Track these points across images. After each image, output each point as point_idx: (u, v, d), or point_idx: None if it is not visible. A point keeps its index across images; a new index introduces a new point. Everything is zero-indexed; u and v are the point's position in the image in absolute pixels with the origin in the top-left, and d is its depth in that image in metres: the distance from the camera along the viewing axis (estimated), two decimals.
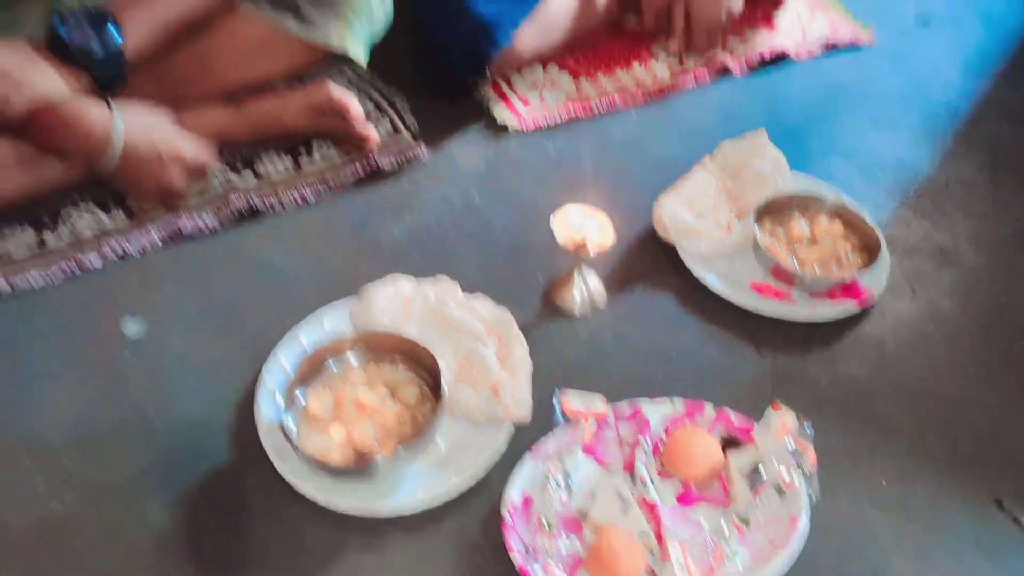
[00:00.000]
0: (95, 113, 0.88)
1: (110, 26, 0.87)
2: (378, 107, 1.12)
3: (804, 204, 0.98)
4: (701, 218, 0.99)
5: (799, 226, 0.97)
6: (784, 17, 1.35)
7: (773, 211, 0.98)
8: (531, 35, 1.14)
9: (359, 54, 0.99)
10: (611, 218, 0.88)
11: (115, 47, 0.87)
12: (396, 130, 1.10)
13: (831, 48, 1.31)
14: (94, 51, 0.86)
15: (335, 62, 1.02)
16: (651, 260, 0.99)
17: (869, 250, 0.94)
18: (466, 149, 1.13)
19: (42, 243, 0.94)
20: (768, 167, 1.02)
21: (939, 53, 1.33)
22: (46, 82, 0.85)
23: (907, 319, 0.94)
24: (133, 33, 0.89)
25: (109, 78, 0.89)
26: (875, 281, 0.93)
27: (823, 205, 0.98)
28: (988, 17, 1.41)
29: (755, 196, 0.99)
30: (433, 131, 1.13)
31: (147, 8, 0.91)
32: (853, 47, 1.32)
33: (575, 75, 1.21)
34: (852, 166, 1.12)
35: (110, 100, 0.89)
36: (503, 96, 1.17)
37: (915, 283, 0.98)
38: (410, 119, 1.11)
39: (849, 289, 0.92)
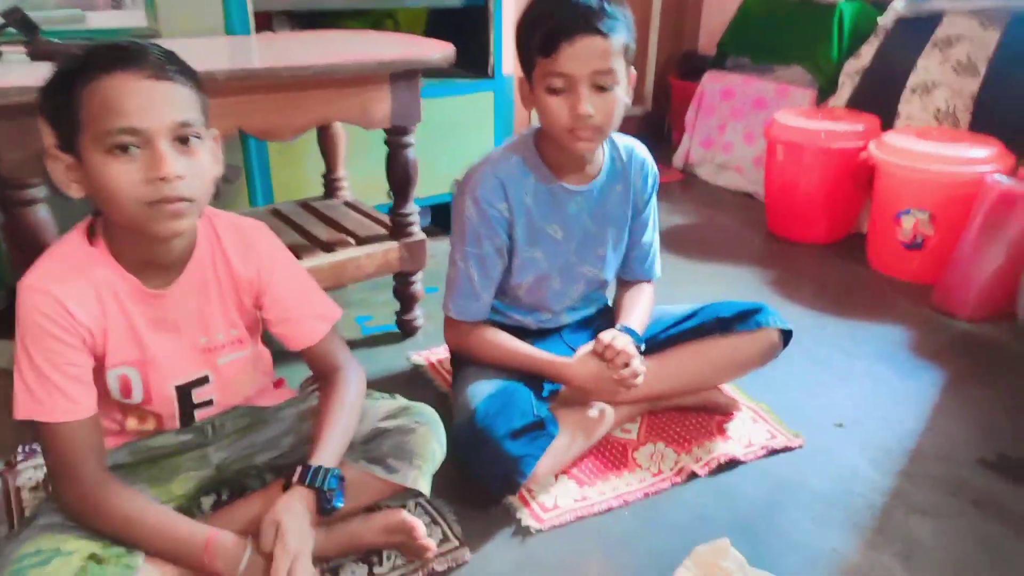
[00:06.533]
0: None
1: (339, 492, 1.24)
2: (433, 520, 1.46)
3: None
4: None
5: None
6: (733, 427, 1.78)
7: None
8: (547, 463, 1.52)
9: (427, 489, 1.35)
10: None
11: (340, 497, 1.24)
12: (446, 538, 1.43)
13: (772, 452, 1.71)
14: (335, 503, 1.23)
15: (406, 493, 1.38)
16: None
17: None
18: (498, 548, 1.45)
19: None
20: (733, 566, 1.35)
21: (855, 453, 1.74)
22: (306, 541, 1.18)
23: None
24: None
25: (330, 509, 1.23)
26: None
27: None
28: (888, 419, 1.85)
29: None
30: (472, 534, 1.46)
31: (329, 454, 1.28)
32: (788, 450, 1.73)
33: (580, 483, 1.59)
34: (801, 559, 1.44)
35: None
36: (526, 503, 1.53)
37: None
38: (456, 528, 1.45)
39: None
